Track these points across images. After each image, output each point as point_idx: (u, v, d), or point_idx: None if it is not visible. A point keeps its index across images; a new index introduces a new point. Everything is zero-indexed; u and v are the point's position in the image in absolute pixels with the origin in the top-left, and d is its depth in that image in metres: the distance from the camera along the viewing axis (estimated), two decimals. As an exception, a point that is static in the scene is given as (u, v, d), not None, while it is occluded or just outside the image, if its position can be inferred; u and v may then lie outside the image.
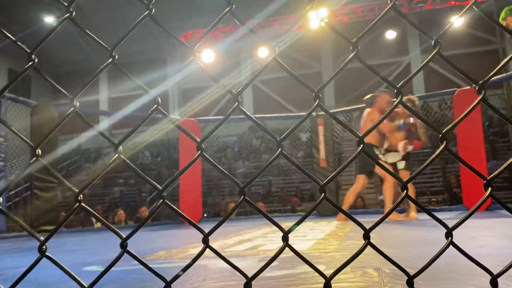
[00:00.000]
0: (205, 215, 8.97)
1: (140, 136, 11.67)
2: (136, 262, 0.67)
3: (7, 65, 15.89)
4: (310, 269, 0.69)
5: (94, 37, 0.69)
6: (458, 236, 0.71)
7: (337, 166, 11.04)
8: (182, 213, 0.69)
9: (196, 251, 2.77)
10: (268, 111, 12.07)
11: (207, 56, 14.07)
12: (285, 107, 16.48)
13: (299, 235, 3.56)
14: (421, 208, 0.71)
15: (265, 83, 16.76)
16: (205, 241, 0.67)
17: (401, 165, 5.32)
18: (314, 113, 7.93)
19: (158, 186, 0.67)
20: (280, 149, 0.69)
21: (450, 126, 0.70)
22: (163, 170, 13.19)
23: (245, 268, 0.70)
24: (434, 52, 0.67)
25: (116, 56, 0.68)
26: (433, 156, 0.69)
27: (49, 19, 14.88)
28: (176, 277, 0.66)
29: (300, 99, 13.87)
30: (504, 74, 6.82)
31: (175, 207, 0.69)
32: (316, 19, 11.64)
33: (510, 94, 13.23)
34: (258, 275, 0.66)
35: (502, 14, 4.80)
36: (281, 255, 0.71)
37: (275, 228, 0.70)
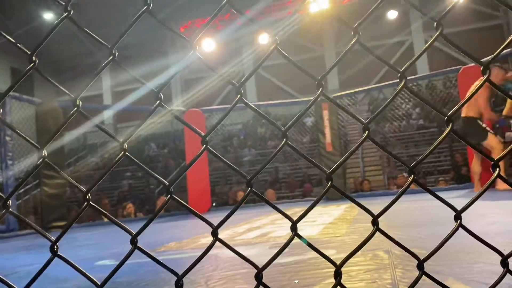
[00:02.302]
0: (213, 204, 9.02)
1: (145, 128, 11.69)
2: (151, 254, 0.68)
3: (9, 63, 15.92)
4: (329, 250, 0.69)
5: (94, 35, 0.68)
6: (467, 214, 0.70)
7: (343, 150, 11.03)
8: (190, 207, 0.70)
9: (207, 241, 2.81)
10: (272, 98, 12.03)
11: (208, 45, 14.00)
12: (288, 93, 16.42)
13: (308, 220, 3.57)
14: (428, 192, 0.71)
15: (267, 69, 16.68)
16: (215, 234, 0.67)
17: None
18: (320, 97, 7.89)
19: (165, 181, 0.67)
20: (285, 139, 0.69)
21: (455, 108, 0.69)
22: (169, 161, 13.23)
23: (256, 255, 0.71)
24: (436, 35, 0.66)
25: (116, 54, 0.68)
26: (440, 139, 0.68)
27: (48, 16, 14.85)
28: (188, 271, 0.67)
29: (304, 84, 13.79)
30: (510, 49, 6.72)
31: (182, 201, 0.69)
32: (315, 2, 11.50)
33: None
34: (268, 265, 0.67)
35: None
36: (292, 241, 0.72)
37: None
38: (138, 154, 13.19)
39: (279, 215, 0.71)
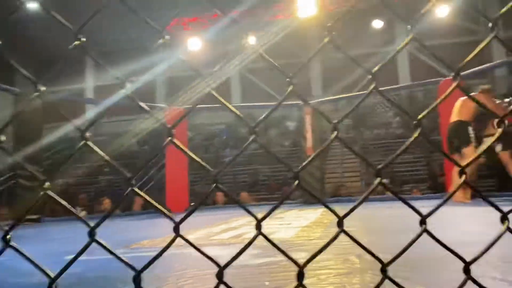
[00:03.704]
0: (192, 204, 8.95)
1: (131, 125, 11.55)
2: (123, 250, 0.66)
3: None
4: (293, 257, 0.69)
5: (59, 17, 0.66)
6: (441, 223, 0.71)
7: (325, 155, 11.07)
8: (153, 201, 0.68)
9: (179, 240, 2.76)
10: (256, 101, 12.01)
11: (194, 44, 13.93)
12: (273, 96, 16.46)
13: (284, 223, 3.57)
14: (395, 196, 0.71)
15: (253, 72, 16.70)
16: (176, 230, 0.66)
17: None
18: (301, 102, 7.94)
19: (127, 174, 0.65)
20: (253, 135, 0.68)
21: (424, 112, 0.69)
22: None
23: (229, 255, 0.70)
24: (408, 39, 0.67)
25: (83, 38, 0.66)
26: (406, 144, 0.68)
27: (32, 5, 14.51)
28: (146, 267, 0.65)
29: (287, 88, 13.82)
30: (488, 64, 6.89)
31: (145, 195, 0.68)
32: (303, 9, 11.57)
33: (494, 84, 13.32)
34: (229, 264, 0.66)
35: None
36: (264, 243, 0.71)
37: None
38: (130, 152, 13.01)
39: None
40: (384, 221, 3.52)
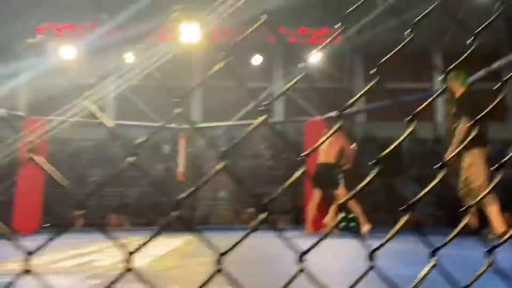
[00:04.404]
0: (46, 224, 8.03)
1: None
2: None
3: None
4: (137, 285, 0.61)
5: None
6: (290, 256, 0.70)
7: (197, 181, 10.93)
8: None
9: (17, 266, 2.42)
10: (132, 119, 11.50)
11: (68, 52, 12.94)
12: (149, 116, 15.98)
13: (141, 251, 3.38)
14: (275, 232, 0.69)
15: (130, 89, 16.09)
16: (27, 260, 0.54)
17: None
18: (176, 125, 7.84)
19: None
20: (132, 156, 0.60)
21: (310, 149, 0.69)
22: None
23: (69, 285, 0.59)
24: (299, 77, 0.67)
25: None
26: (292, 178, 0.67)
27: None
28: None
29: (168, 110, 13.61)
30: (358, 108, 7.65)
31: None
32: (188, 33, 11.62)
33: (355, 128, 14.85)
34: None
35: (454, 77, 4.68)
36: (111, 272, 0.63)
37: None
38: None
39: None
40: (243, 251, 3.54)
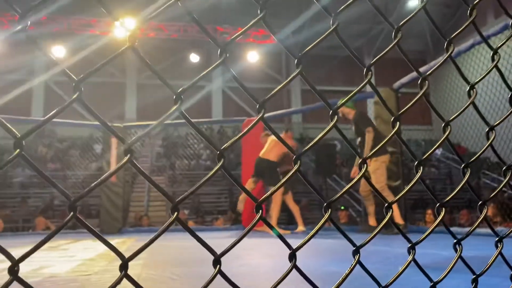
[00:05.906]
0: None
1: None
2: None
3: None
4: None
5: None
6: (225, 256, 0.66)
7: (130, 182, 10.63)
8: None
9: None
10: (63, 117, 10.88)
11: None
12: (80, 113, 15.22)
13: (66, 255, 3.17)
14: (188, 232, 0.64)
15: (59, 84, 15.26)
16: None
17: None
18: (110, 124, 7.51)
19: None
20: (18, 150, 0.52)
21: (227, 144, 0.65)
22: None
23: None
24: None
25: None
26: (209, 175, 0.63)
27: None
28: None
29: (103, 107, 13.15)
30: (286, 110, 7.77)
31: None
32: (122, 29, 11.22)
33: (291, 127, 15.10)
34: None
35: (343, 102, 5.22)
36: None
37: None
38: None
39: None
40: (176, 253, 3.45)
